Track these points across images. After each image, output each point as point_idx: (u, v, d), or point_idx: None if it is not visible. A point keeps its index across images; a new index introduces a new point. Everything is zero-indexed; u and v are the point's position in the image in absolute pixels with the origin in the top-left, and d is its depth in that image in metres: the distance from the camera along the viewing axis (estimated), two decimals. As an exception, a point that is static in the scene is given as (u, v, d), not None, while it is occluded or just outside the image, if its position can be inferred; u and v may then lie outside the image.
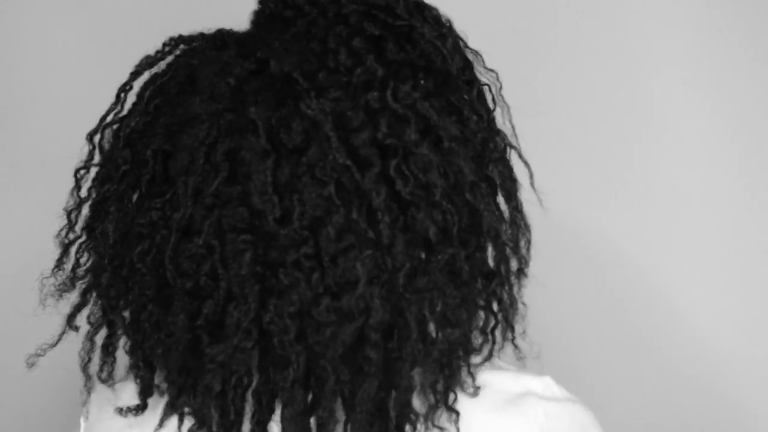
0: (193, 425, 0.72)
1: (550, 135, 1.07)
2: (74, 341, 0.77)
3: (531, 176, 0.77)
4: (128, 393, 0.77)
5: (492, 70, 0.77)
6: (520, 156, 0.76)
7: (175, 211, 0.68)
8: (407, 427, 0.70)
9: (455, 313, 0.68)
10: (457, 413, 0.72)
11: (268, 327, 0.67)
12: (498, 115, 0.77)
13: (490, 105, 0.76)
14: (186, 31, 0.77)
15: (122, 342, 0.77)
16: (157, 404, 0.75)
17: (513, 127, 0.76)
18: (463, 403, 0.71)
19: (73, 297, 0.79)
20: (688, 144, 1.15)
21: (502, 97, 0.77)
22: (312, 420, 0.68)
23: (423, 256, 0.67)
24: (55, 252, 0.78)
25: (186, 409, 0.72)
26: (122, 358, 0.78)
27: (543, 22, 1.16)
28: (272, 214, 0.65)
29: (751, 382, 1.15)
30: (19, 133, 1.25)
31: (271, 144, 0.66)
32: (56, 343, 0.77)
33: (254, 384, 0.69)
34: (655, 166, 1.16)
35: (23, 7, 1.25)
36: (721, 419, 1.17)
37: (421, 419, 0.70)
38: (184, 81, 0.73)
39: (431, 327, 0.68)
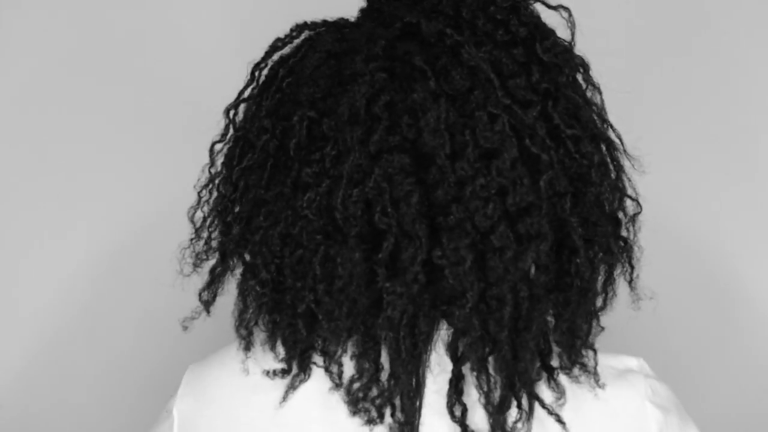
0: (355, 374, 0.76)
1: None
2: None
3: (623, 146, 0.85)
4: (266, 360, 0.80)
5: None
6: (613, 129, 0.85)
7: (339, 161, 0.73)
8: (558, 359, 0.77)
9: (604, 243, 0.76)
10: (595, 351, 0.79)
11: (440, 261, 0.72)
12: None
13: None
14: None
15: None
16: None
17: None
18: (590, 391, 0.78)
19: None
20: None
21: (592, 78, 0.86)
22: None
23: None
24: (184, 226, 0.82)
25: (352, 353, 0.75)
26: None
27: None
28: (444, 150, 0.71)
29: None
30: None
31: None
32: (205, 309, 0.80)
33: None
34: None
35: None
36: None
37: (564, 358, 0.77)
38: (319, 59, 0.79)
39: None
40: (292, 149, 0.76)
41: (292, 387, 0.78)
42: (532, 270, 0.73)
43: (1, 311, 1.30)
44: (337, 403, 0.76)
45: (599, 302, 0.82)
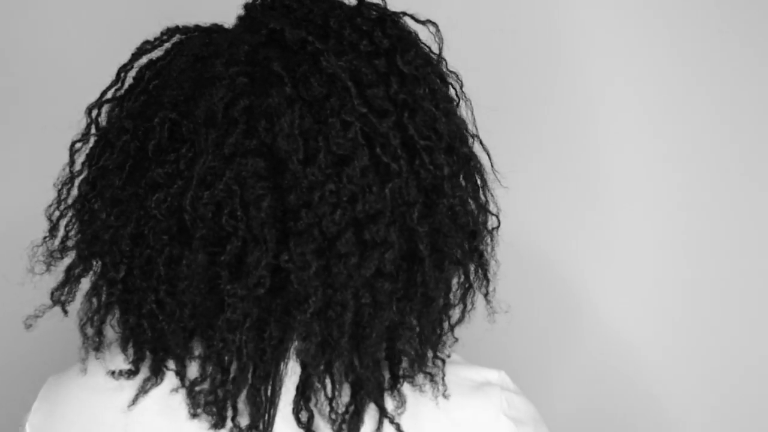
0: (198, 377, 0.75)
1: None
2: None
3: (491, 161, 0.87)
4: (116, 362, 0.79)
5: (454, 72, 0.88)
6: (481, 143, 0.87)
7: (194, 162, 0.73)
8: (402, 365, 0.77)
9: (454, 254, 0.77)
10: (443, 361, 0.79)
11: (286, 266, 0.72)
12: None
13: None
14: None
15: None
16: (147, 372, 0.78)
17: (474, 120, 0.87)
18: (432, 400, 0.78)
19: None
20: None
21: (464, 94, 0.88)
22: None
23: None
24: (43, 224, 0.80)
25: (195, 355, 0.75)
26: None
27: (528, 22, 1.25)
28: (297, 155, 0.71)
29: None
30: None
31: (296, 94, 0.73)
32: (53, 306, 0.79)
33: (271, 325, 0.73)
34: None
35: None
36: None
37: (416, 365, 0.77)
38: (185, 62, 0.79)
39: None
40: (151, 150, 0.76)
41: (143, 390, 0.78)
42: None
43: None
44: (179, 405, 0.76)
45: (457, 314, 0.83)
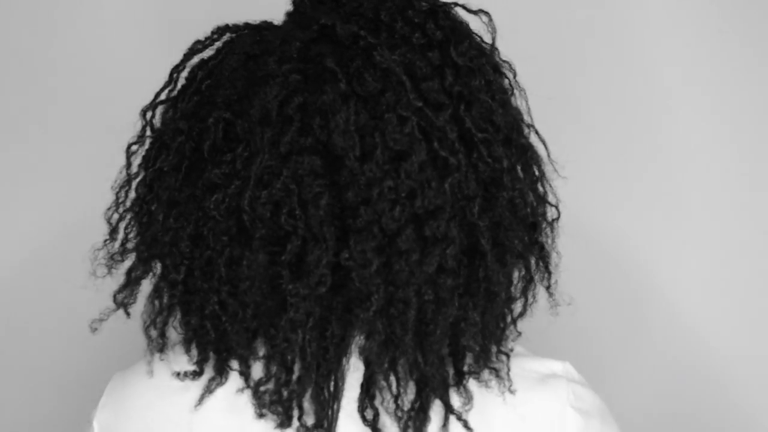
0: (262, 377, 0.75)
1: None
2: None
3: (548, 151, 0.85)
4: (181, 362, 0.79)
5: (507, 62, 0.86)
6: (537, 133, 0.85)
7: (250, 162, 0.73)
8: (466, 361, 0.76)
9: (515, 247, 0.76)
10: (508, 355, 0.78)
11: (347, 264, 0.71)
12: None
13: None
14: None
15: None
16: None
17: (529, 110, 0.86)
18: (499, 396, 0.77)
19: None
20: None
21: (518, 84, 0.86)
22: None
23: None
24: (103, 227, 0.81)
25: (259, 356, 0.75)
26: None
27: (581, 9, 1.25)
28: (353, 152, 0.71)
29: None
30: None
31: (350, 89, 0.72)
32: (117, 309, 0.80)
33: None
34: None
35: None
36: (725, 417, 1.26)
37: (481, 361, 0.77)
38: (237, 60, 0.79)
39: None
40: (207, 151, 0.76)
41: (208, 390, 0.77)
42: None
43: None
44: (245, 405, 0.76)
45: (519, 308, 0.82)
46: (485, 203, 0.74)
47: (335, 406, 0.76)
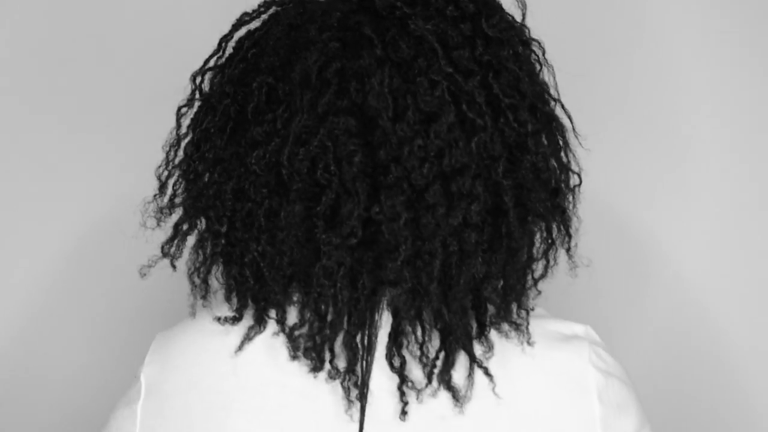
0: (297, 322, 0.81)
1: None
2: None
3: (572, 123, 0.90)
4: (222, 311, 0.85)
5: (536, 40, 0.91)
6: (563, 107, 0.90)
7: (290, 122, 0.78)
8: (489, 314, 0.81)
9: (537, 208, 0.80)
10: (528, 311, 0.83)
11: (377, 217, 0.77)
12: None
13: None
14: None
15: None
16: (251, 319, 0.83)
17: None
18: (519, 346, 0.82)
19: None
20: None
21: (547, 60, 0.91)
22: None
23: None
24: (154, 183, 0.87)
25: (294, 301, 0.80)
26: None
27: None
28: (387, 112, 0.76)
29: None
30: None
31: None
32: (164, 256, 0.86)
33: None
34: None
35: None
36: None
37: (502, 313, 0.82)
38: (281, 31, 0.84)
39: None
40: (250, 113, 0.81)
41: (248, 338, 0.83)
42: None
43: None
44: (281, 346, 0.81)
45: (540, 269, 0.87)
46: (509, 165, 0.79)
47: (369, 359, 0.81)
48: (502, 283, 0.81)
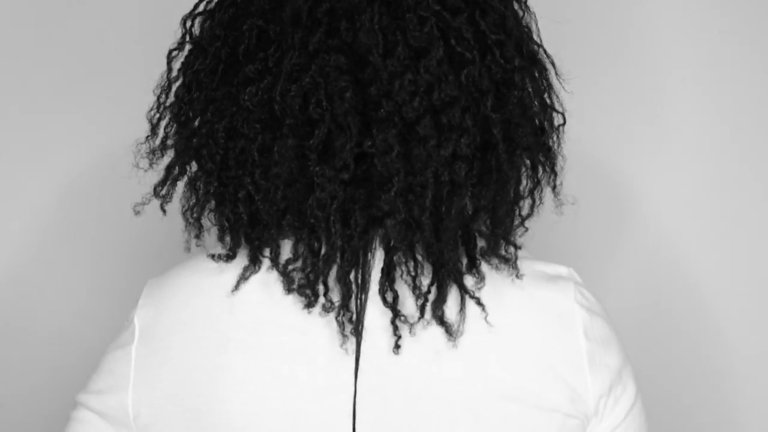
0: (290, 257, 0.83)
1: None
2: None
3: (555, 68, 0.92)
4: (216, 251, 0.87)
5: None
6: (545, 52, 0.92)
7: (281, 60, 0.80)
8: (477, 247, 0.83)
9: (524, 142, 0.83)
10: (516, 246, 0.85)
11: (370, 150, 0.78)
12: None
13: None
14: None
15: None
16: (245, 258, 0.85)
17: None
18: (508, 278, 0.84)
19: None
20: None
21: (529, 8, 0.92)
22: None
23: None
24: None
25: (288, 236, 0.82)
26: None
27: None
28: (377, 49, 0.78)
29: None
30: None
31: None
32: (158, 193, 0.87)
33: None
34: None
35: None
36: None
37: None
38: None
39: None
40: (241, 54, 0.82)
41: (243, 278, 0.84)
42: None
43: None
44: (275, 283, 0.83)
45: (526, 208, 0.89)
46: (497, 101, 0.81)
47: (362, 296, 0.82)
48: (491, 215, 0.83)
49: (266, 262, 0.84)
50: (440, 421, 0.81)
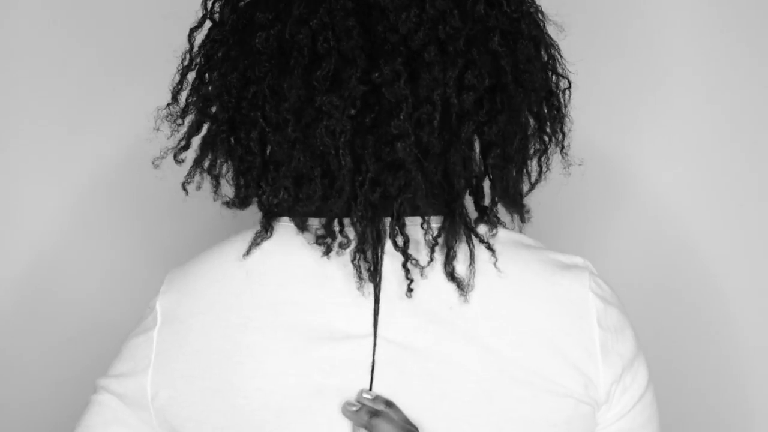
0: (302, 195, 0.84)
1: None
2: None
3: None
4: None
5: None
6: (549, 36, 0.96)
7: (291, 5, 0.83)
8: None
9: (533, 82, 0.85)
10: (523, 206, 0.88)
11: (378, 80, 0.81)
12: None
13: None
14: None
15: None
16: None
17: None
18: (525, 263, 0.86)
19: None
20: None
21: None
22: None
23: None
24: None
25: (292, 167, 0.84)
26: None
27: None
28: None
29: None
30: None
31: None
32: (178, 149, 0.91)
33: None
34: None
35: None
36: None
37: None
38: None
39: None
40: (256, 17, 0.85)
41: (255, 243, 0.86)
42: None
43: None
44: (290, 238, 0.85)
45: (534, 175, 0.91)
46: (504, 40, 0.83)
47: (379, 251, 0.83)
48: (501, 152, 0.85)
49: (280, 231, 0.86)
50: (454, 403, 0.81)
